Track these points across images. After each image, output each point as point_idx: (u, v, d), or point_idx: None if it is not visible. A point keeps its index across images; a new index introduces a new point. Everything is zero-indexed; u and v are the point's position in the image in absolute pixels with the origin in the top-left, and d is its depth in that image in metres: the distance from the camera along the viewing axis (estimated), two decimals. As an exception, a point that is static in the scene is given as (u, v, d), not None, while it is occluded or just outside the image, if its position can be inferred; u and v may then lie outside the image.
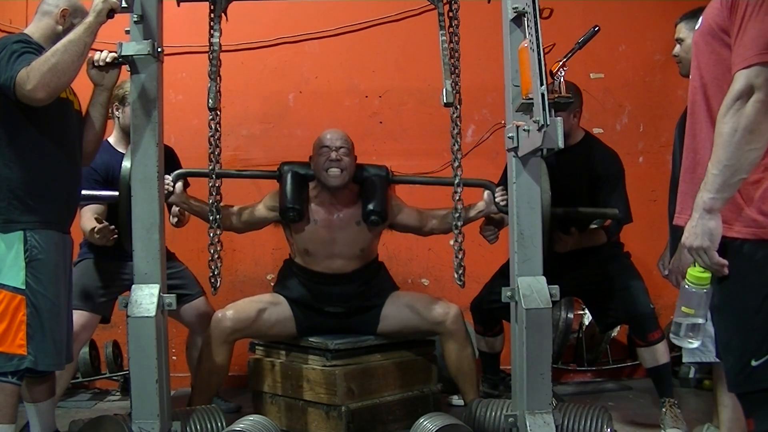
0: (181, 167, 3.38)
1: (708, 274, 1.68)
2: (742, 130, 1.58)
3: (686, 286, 1.71)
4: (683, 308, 1.72)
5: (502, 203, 2.94)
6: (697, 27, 1.82)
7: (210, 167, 2.85)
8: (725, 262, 1.66)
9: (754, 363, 1.65)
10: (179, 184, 2.96)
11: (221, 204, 2.90)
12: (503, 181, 2.95)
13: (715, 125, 1.65)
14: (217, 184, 2.87)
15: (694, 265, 1.70)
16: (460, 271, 2.81)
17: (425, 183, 3.26)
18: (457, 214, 2.81)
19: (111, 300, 3.12)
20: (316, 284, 3.11)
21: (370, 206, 3.04)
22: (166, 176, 2.82)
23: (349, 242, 3.10)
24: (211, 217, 2.85)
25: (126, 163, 2.66)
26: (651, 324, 3.06)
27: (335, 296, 3.10)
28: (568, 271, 3.02)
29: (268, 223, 3.17)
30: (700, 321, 1.71)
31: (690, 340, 1.74)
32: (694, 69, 1.81)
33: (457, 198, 2.82)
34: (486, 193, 3.05)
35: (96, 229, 2.92)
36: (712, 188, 1.62)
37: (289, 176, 3.06)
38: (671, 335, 1.78)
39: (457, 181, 2.80)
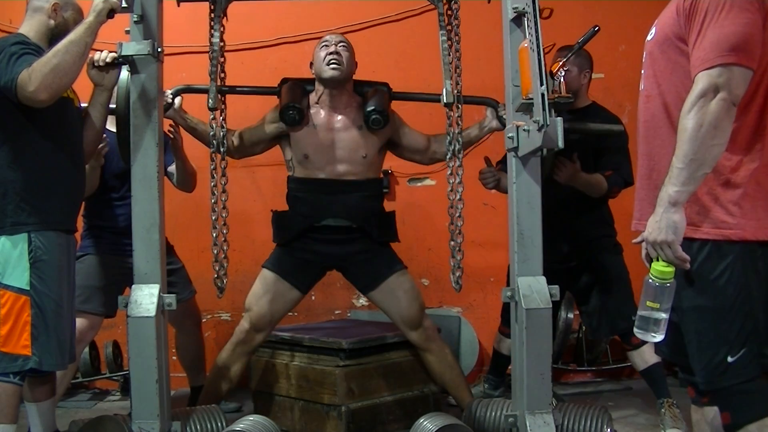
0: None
1: (672, 269, 1.72)
2: (707, 125, 1.65)
3: (650, 280, 1.75)
4: (648, 302, 1.76)
5: (504, 116, 2.79)
6: (649, 37, 1.89)
7: (212, 167, 2.87)
8: (687, 257, 1.71)
9: (730, 359, 1.72)
10: (178, 99, 2.93)
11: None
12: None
13: (674, 132, 1.72)
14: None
15: (657, 260, 1.74)
16: (458, 273, 2.80)
17: (426, 100, 3.22)
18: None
19: (114, 295, 3.12)
20: (316, 194, 3.02)
21: (371, 106, 2.98)
22: (166, 90, 2.79)
23: (351, 146, 3.02)
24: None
25: (124, 75, 2.57)
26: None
27: (336, 205, 3.00)
28: (562, 243, 3.06)
29: (268, 139, 3.10)
30: (663, 315, 1.75)
31: (653, 334, 1.77)
32: (649, 78, 1.89)
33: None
34: (488, 110, 3.03)
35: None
36: (677, 181, 1.67)
37: (288, 83, 3.05)
38: (635, 329, 1.81)
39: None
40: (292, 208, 3.10)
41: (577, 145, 3.00)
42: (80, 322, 2.89)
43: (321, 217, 3.02)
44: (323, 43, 3.04)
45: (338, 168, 3.02)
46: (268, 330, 3.06)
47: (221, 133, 2.88)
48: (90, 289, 3.04)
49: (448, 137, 2.83)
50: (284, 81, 3.09)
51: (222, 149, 2.89)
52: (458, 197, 2.82)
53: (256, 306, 3.01)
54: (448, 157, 2.85)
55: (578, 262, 3.19)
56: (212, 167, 2.87)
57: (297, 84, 3.06)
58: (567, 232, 3.16)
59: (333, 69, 2.96)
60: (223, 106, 2.88)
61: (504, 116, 2.82)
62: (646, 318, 1.77)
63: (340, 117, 3.04)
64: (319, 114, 3.04)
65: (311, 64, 3.07)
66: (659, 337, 1.77)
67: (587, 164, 3.08)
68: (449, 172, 2.85)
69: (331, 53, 2.97)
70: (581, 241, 3.19)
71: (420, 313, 3.05)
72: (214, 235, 2.83)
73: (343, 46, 3.03)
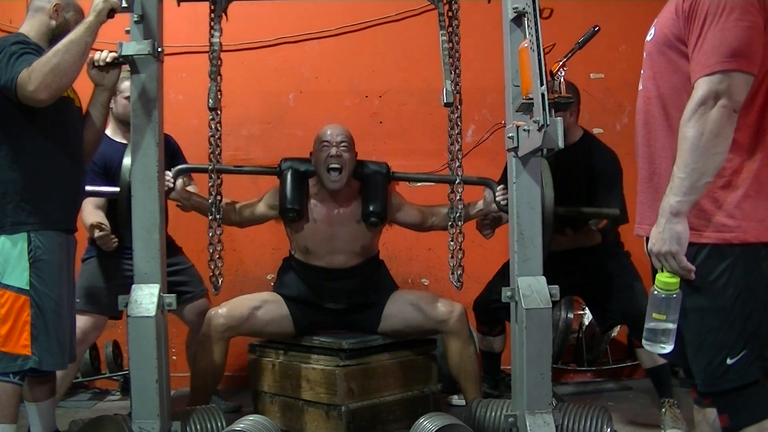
0: (183, 158, 3.36)
1: (677, 279, 1.70)
2: (708, 134, 1.62)
3: (655, 292, 1.72)
4: (654, 314, 1.73)
5: (502, 202, 2.92)
6: (649, 38, 1.86)
7: (210, 167, 2.86)
8: (692, 267, 1.69)
9: (729, 361, 1.70)
10: (179, 181, 2.95)
11: (222, 200, 2.90)
12: (503, 180, 2.96)
13: (674, 134, 1.70)
14: (217, 182, 2.87)
15: (662, 271, 1.71)
16: (459, 272, 2.82)
17: (425, 181, 3.27)
18: (457, 214, 2.84)
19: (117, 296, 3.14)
20: (316, 279, 3.12)
21: (370, 207, 3.06)
22: (167, 172, 2.82)
23: (350, 239, 3.11)
24: (210, 216, 2.85)
25: (126, 160, 2.66)
26: None
27: (336, 292, 3.11)
28: (566, 270, 3.01)
29: (269, 219, 3.18)
30: (671, 326, 1.72)
31: (663, 345, 1.75)
32: (648, 79, 1.86)
33: (457, 198, 2.84)
34: (486, 191, 3.05)
35: (96, 236, 2.95)
36: (679, 191, 1.65)
37: (288, 175, 3.06)
38: (644, 341, 1.78)
39: (457, 181, 2.83)
40: (294, 275, 3.16)
41: (571, 181, 3.04)
42: (85, 322, 2.90)
43: (321, 300, 3.11)
44: (323, 143, 3.04)
45: (336, 258, 3.11)
46: (235, 321, 3.02)
47: (219, 134, 2.88)
48: (95, 290, 3.05)
49: (450, 138, 2.85)
50: (284, 161, 3.12)
51: (218, 148, 2.88)
52: (458, 197, 2.84)
53: (237, 308, 3.04)
54: (455, 149, 2.85)
55: (586, 276, 3.18)
56: (210, 167, 2.86)
57: (296, 175, 3.07)
58: (569, 256, 3.14)
59: (334, 182, 3.01)
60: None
61: (502, 201, 2.89)
62: (654, 330, 1.74)
63: (339, 211, 3.10)
64: (319, 208, 3.10)
65: (311, 153, 3.09)
66: (669, 348, 1.74)
67: (579, 200, 3.09)
68: (450, 172, 2.86)
69: (332, 156, 3.00)
70: (585, 258, 3.18)
71: (442, 304, 3.06)
72: (210, 234, 2.83)
73: (345, 146, 3.03)
